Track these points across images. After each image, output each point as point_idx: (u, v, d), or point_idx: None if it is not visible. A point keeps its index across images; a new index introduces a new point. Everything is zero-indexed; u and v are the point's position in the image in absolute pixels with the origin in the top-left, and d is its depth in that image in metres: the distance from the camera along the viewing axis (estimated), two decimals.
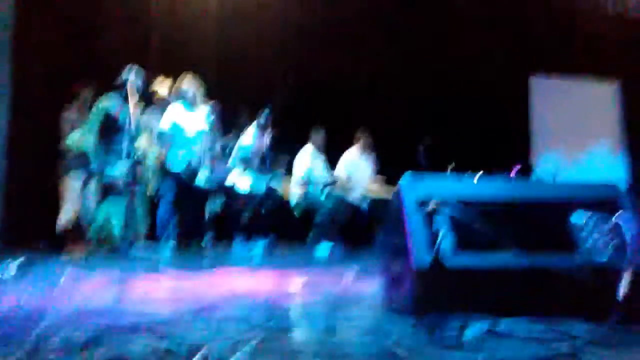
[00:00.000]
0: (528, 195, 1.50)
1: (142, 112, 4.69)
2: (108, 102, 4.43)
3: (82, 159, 4.58)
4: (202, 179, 4.72)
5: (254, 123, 5.37)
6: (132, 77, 4.37)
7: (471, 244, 1.36)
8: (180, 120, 4.79)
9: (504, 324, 1.20)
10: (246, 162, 5.19)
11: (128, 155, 4.36)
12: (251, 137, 5.27)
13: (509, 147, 6.95)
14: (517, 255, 1.32)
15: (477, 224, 1.35)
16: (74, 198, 4.85)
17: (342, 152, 6.05)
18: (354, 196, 5.67)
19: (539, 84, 8.02)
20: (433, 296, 1.27)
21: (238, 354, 1.02)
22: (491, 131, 7.17)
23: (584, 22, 7.88)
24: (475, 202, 1.47)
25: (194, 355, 1.00)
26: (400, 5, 7.10)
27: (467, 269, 1.31)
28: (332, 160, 5.99)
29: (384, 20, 7.10)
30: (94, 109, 4.43)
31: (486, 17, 7.45)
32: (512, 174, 4.93)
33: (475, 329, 1.19)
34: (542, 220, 1.46)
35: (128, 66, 4.42)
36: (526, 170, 6.34)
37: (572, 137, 7.87)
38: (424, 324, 1.22)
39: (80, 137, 4.24)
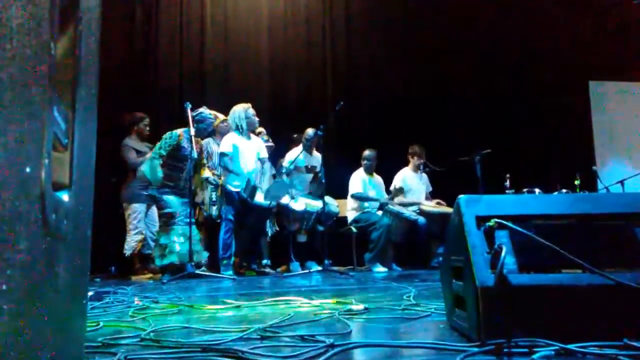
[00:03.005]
0: (593, 208, 1.46)
1: (202, 142, 4.91)
2: (180, 133, 4.63)
3: (145, 186, 4.80)
4: (260, 197, 4.84)
5: (302, 141, 5.49)
6: (190, 110, 4.60)
7: (536, 261, 1.33)
8: (238, 145, 4.98)
9: (574, 347, 1.16)
10: (289, 174, 5.29)
11: (190, 182, 4.54)
12: (296, 153, 5.39)
13: (570, 154, 6.70)
14: (586, 272, 1.28)
15: (541, 241, 1.32)
16: (139, 224, 5.09)
17: (397, 171, 6.04)
18: (410, 213, 5.61)
19: (598, 89, 7.72)
20: (498, 316, 1.24)
21: None
22: (551, 139, 6.96)
23: None
24: (538, 217, 1.44)
25: None
26: (450, 20, 7.05)
27: (533, 288, 1.28)
28: (386, 179, 5.99)
29: (435, 33, 7.06)
30: (166, 138, 4.61)
31: (543, 23, 7.28)
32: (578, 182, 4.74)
33: (544, 350, 1.16)
34: (611, 235, 1.41)
35: (186, 103, 4.68)
36: (590, 178, 6.10)
37: (637, 142, 7.49)
38: (490, 345, 1.20)
39: (152, 166, 4.44)
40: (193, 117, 4.61)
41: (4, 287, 0.41)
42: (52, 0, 0.46)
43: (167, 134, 4.62)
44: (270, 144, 5.53)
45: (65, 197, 0.56)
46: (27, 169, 0.44)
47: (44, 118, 0.46)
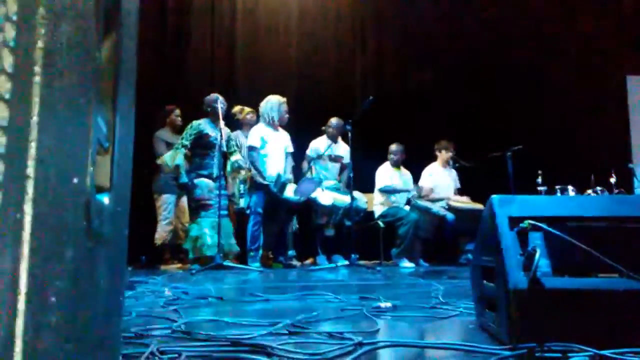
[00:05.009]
0: (631, 210, 1.41)
1: (229, 135, 4.95)
2: (201, 122, 4.74)
3: (175, 176, 4.89)
4: (290, 192, 4.87)
5: (327, 129, 5.49)
6: (218, 102, 4.69)
7: (570, 265, 1.30)
8: (266, 137, 5.00)
9: (609, 352, 1.13)
10: (311, 162, 5.31)
11: (219, 172, 4.59)
12: (320, 142, 5.41)
13: (606, 151, 6.52)
14: (623, 277, 1.24)
15: (576, 243, 1.29)
16: (169, 214, 5.18)
17: (425, 166, 5.98)
18: (438, 208, 5.56)
19: (636, 84, 7.47)
20: (531, 319, 1.22)
21: None
22: (586, 135, 6.78)
23: None
24: (573, 219, 1.41)
25: None
26: (481, 14, 6.92)
27: (567, 291, 1.25)
28: (415, 174, 5.94)
29: (465, 28, 6.95)
30: (187, 129, 4.73)
31: (579, 16, 7.08)
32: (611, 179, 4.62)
33: (579, 356, 1.14)
34: None
35: (212, 95, 4.80)
36: (626, 176, 5.93)
37: None
38: (522, 349, 1.18)
39: (173, 155, 4.54)
40: (205, 107, 4.80)
41: (53, 299, 0.42)
42: (97, 9, 0.47)
43: (189, 125, 4.77)
44: None
45: (106, 199, 0.57)
46: (75, 180, 0.45)
47: (89, 128, 0.47)
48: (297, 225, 5.47)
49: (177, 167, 4.63)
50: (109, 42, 0.56)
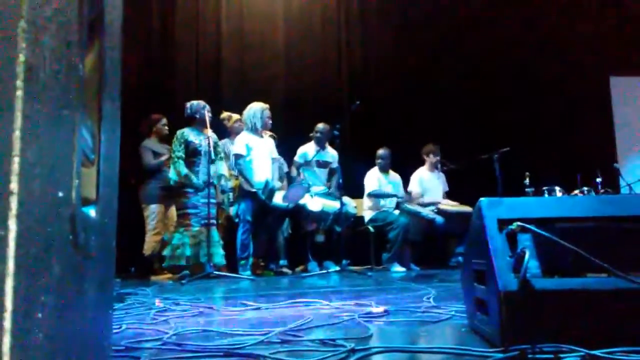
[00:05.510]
0: (619, 210, 1.43)
1: (216, 141, 4.93)
2: (184, 131, 4.73)
3: (166, 187, 4.86)
4: (278, 198, 4.86)
5: (314, 135, 5.50)
6: (205, 110, 4.69)
7: (560, 265, 1.31)
8: (251, 144, 4.99)
9: (600, 352, 1.14)
10: (299, 168, 5.32)
11: (207, 180, 4.57)
12: (307, 148, 5.41)
13: (591, 151, 6.59)
14: (612, 277, 1.25)
15: (565, 244, 1.30)
16: (157, 224, 5.14)
17: (414, 169, 6.01)
18: (428, 211, 5.58)
19: (619, 85, 7.57)
20: (522, 320, 1.23)
21: None
22: (571, 136, 6.85)
23: None
24: (562, 220, 1.42)
25: None
26: (465, 16, 6.99)
27: (557, 292, 1.26)
28: (404, 177, 5.97)
29: (450, 30, 7.00)
30: (175, 140, 4.71)
31: (562, 17, 7.17)
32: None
33: (570, 356, 1.15)
34: (637, 238, 1.38)
35: (198, 102, 4.80)
36: (611, 176, 5.99)
37: None
38: (514, 351, 1.18)
39: (176, 169, 4.54)
40: (189, 113, 4.81)
41: (39, 315, 0.41)
42: (80, 20, 0.46)
43: (175, 136, 4.76)
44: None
45: (92, 212, 0.56)
46: (60, 194, 0.44)
47: (74, 140, 0.46)
48: (290, 231, 5.45)
49: (186, 176, 4.63)
50: (92, 52, 0.55)
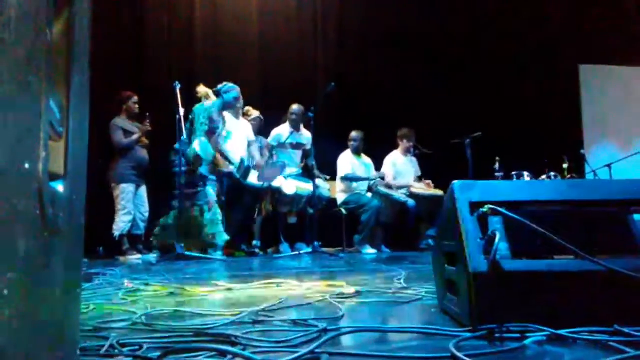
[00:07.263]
0: (587, 195, 1.46)
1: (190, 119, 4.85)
2: (211, 109, 4.64)
3: (133, 166, 4.76)
4: (253, 179, 4.83)
5: (288, 117, 5.48)
6: (178, 88, 4.61)
7: (529, 248, 1.34)
8: (229, 125, 4.93)
9: (565, 332, 1.18)
10: (273, 150, 5.32)
11: (183, 161, 4.51)
12: (281, 129, 5.41)
13: (559, 138, 6.74)
14: (578, 259, 1.29)
15: (533, 227, 1.32)
16: (128, 204, 5.05)
17: (387, 154, 6.04)
18: (400, 195, 5.64)
19: (588, 73, 7.74)
20: (491, 301, 1.25)
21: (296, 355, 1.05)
22: (541, 123, 6.98)
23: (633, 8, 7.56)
24: (532, 204, 1.45)
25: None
26: (440, 3, 7.01)
27: (525, 274, 1.29)
28: (377, 163, 6.00)
29: (424, 17, 7.02)
30: (199, 113, 4.63)
31: (531, 6, 7.25)
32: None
33: (536, 336, 1.18)
34: (604, 222, 1.42)
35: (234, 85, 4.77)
36: (578, 162, 6.16)
37: (625, 126, 7.55)
38: (482, 331, 1.21)
39: (201, 147, 4.46)
40: (219, 89, 4.81)
41: (5, 292, 0.39)
42: None
43: (197, 110, 4.67)
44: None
45: (60, 187, 0.54)
46: (26, 165, 0.42)
47: (41, 110, 0.44)
48: (270, 208, 5.38)
49: (222, 152, 4.60)
50: (61, 19, 0.52)
